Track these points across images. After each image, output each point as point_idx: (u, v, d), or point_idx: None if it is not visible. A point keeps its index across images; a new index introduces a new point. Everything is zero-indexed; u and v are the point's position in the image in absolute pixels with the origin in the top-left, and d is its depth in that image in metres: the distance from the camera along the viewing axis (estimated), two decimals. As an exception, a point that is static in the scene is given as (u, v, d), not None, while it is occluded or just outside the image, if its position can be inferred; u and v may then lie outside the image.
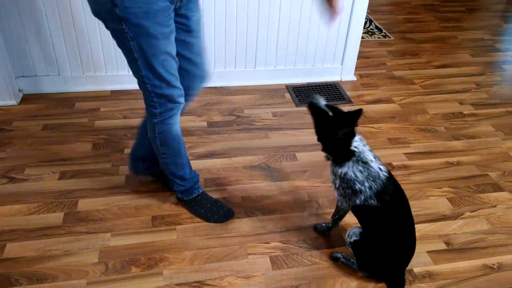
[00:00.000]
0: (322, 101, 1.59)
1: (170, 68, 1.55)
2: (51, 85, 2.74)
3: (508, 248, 1.84)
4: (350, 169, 1.55)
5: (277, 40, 2.84)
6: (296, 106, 2.77)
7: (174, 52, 1.55)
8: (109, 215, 1.91)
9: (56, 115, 2.55)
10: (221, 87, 2.92)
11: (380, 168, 1.56)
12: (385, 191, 1.54)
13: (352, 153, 1.54)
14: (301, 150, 2.37)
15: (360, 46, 3.05)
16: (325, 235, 1.86)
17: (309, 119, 2.64)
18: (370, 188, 1.53)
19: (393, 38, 3.80)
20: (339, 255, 1.74)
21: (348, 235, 1.65)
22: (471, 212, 2.02)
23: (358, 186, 1.55)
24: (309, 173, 2.21)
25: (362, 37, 3.69)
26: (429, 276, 1.70)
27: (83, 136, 2.39)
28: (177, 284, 1.63)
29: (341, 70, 3.06)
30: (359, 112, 1.52)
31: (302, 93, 2.90)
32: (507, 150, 2.44)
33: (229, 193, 2.06)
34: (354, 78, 3.11)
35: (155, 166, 1.96)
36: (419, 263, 1.75)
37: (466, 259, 1.78)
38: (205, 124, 2.55)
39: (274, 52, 2.90)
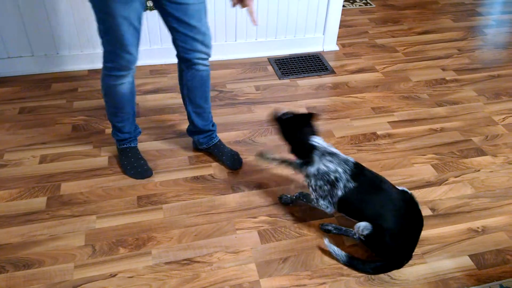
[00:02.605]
0: (282, 112, 1.73)
1: (126, 32, 1.58)
2: (25, 67, 2.65)
3: (491, 211, 1.87)
4: (320, 164, 1.63)
5: (257, 11, 2.78)
6: (279, 78, 2.74)
7: (133, 19, 1.57)
8: (93, 197, 1.88)
9: (33, 98, 2.48)
10: (202, 62, 2.86)
11: (347, 157, 1.66)
12: (359, 173, 1.62)
13: (313, 147, 1.64)
14: (285, 123, 2.35)
15: (342, 14, 3.01)
16: (311, 208, 1.87)
17: (292, 91, 2.62)
18: (344, 171, 1.61)
19: (374, 6, 3.75)
20: (330, 227, 1.75)
21: (359, 229, 1.59)
22: (455, 177, 2.04)
23: (333, 175, 1.61)
24: (294, 145, 2.20)
25: (343, 6, 3.64)
26: (415, 242, 1.73)
27: (62, 118, 2.33)
28: (166, 263, 1.62)
29: (323, 40, 3.02)
30: (311, 114, 1.67)
31: (285, 65, 2.86)
32: (489, 114, 2.46)
33: (215, 170, 2.04)
34: (337, 48, 3.08)
35: (213, 137, 2.08)
36: (405, 230, 1.77)
37: (451, 224, 1.81)
38: (187, 100, 2.50)
39: (255, 24, 2.83)
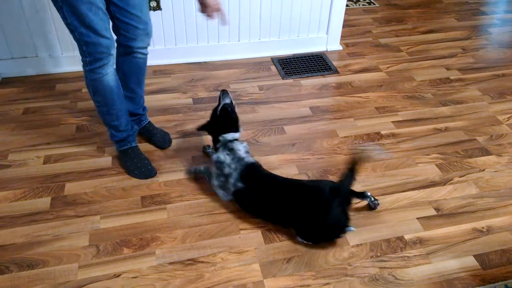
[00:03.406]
0: (227, 99, 1.90)
1: (96, 17, 1.60)
2: (29, 67, 2.66)
3: (496, 211, 1.86)
4: (220, 153, 1.80)
5: (260, 11, 2.78)
6: (282, 78, 2.73)
7: (100, 2, 1.59)
8: (97, 198, 1.88)
9: (37, 98, 2.48)
10: (205, 62, 2.86)
11: (245, 157, 1.78)
12: (251, 176, 1.74)
13: (219, 139, 1.85)
14: (289, 123, 2.35)
15: (345, 14, 3.00)
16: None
17: (296, 91, 2.62)
18: (235, 169, 1.74)
19: (378, 5, 3.74)
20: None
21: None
22: (460, 177, 2.03)
23: (227, 169, 1.76)
24: (298, 145, 2.20)
25: (347, 5, 3.63)
26: (420, 242, 1.72)
27: (66, 119, 2.34)
28: (170, 263, 1.63)
29: (327, 39, 3.01)
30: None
31: (288, 65, 2.86)
32: (494, 113, 2.45)
33: (218, 170, 2.04)
34: (340, 48, 3.07)
35: (142, 120, 2.16)
36: (410, 229, 1.77)
37: (456, 224, 1.80)
38: (190, 101, 2.50)
39: (258, 23, 2.83)
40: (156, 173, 2.00)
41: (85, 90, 2.55)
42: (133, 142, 2.04)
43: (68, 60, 2.68)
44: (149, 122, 2.20)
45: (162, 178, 1.98)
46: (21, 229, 1.74)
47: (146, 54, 1.95)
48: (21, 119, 2.33)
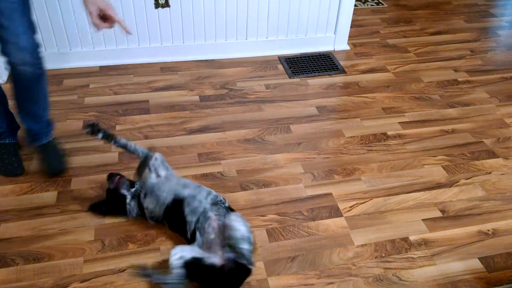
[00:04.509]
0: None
1: None
2: (38, 62, 2.67)
3: (502, 214, 1.85)
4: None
5: (268, 9, 2.77)
6: (289, 77, 2.73)
7: None
8: (103, 193, 1.88)
9: (45, 93, 2.50)
10: (212, 60, 2.87)
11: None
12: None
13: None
14: (295, 122, 2.35)
15: (353, 14, 2.99)
16: (321, 207, 1.86)
17: (303, 90, 2.61)
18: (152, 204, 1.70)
19: (386, 6, 3.73)
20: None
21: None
22: (466, 179, 2.02)
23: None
24: (304, 144, 2.20)
25: (355, 5, 3.62)
26: (425, 243, 1.72)
27: (73, 114, 2.35)
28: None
29: (334, 39, 3.00)
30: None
31: (295, 64, 2.86)
32: (501, 116, 2.44)
33: (224, 167, 2.04)
34: (348, 48, 3.06)
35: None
36: (415, 231, 1.76)
37: (461, 226, 1.79)
38: (197, 98, 2.51)
39: (266, 22, 2.83)
40: (21, 173, 1.92)
41: (92, 85, 2.56)
42: (8, 139, 1.95)
43: (76, 55, 2.70)
44: (50, 141, 1.96)
45: (168, 174, 1.99)
46: (27, 222, 1.75)
47: (32, 71, 1.64)
48: (28, 113, 2.34)
